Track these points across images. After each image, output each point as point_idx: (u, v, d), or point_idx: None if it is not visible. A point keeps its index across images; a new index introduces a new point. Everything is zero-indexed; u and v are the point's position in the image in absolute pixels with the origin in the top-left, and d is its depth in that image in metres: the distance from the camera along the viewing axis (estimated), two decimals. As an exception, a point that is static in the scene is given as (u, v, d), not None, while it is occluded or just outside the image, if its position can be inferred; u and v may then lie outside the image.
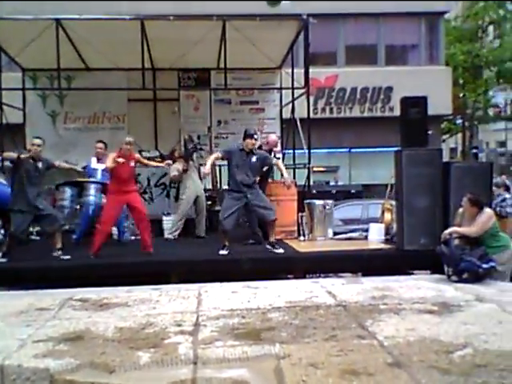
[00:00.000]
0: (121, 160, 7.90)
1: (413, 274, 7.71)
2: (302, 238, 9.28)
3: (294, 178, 11.01)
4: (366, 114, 20.99)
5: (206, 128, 12.32)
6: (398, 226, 8.06)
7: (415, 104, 8.12)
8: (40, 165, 7.97)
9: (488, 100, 30.80)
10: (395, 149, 8.27)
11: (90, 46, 10.62)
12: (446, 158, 24.91)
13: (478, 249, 6.44)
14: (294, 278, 7.62)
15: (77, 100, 12.12)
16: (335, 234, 9.43)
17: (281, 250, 8.05)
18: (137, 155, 8.57)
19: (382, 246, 8.55)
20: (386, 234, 8.94)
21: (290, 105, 11.90)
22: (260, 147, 8.98)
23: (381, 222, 9.21)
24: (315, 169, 16.09)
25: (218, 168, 11.92)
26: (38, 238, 9.62)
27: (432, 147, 8.74)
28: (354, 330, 4.26)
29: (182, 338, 4.14)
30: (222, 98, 12.88)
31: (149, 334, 4.27)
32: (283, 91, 12.55)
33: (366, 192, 18.91)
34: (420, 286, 6.01)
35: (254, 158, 8.18)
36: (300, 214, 9.41)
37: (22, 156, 7.86)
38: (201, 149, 10.59)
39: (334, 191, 17.64)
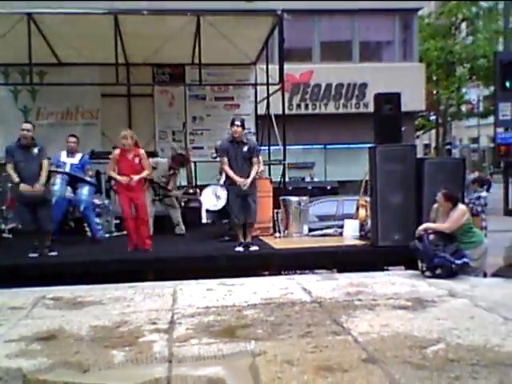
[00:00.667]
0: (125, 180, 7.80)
1: (387, 269, 7.78)
2: (277, 234, 9.29)
3: (270, 174, 10.99)
4: (340, 111, 21.09)
5: (180, 124, 12.27)
6: (372, 222, 8.10)
7: (389, 100, 8.16)
8: (35, 150, 7.67)
9: (461, 97, 31.15)
10: (370, 145, 8.31)
11: (62, 41, 10.48)
12: (419, 154, 25.13)
13: (451, 245, 6.51)
14: (270, 274, 7.62)
15: (49, 95, 11.97)
16: (310, 230, 9.45)
17: (256, 248, 8.04)
18: (141, 151, 8.16)
19: (357, 242, 8.58)
20: (361, 230, 8.97)
21: (265, 101, 11.88)
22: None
23: (355, 219, 9.25)
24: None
25: (192, 164, 11.89)
26: (10, 236, 9.49)
27: (406, 143, 8.78)
28: (328, 327, 4.28)
29: (156, 336, 4.13)
30: (197, 94, 12.82)
31: (123, 332, 4.25)
32: (258, 87, 12.53)
33: (342, 188, 19.06)
34: (394, 281, 6.07)
35: (245, 148, 8.01)
36: (275, 210, 9.42)
37: (10, 149, 7.63)
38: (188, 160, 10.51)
39: (309, 187, 17.73)
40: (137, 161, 8.01)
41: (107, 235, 9.55)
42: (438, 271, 6.32)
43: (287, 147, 10.62)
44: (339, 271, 7.75)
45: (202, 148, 12.87)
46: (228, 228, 9.01)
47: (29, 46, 9.60)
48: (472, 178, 9.77)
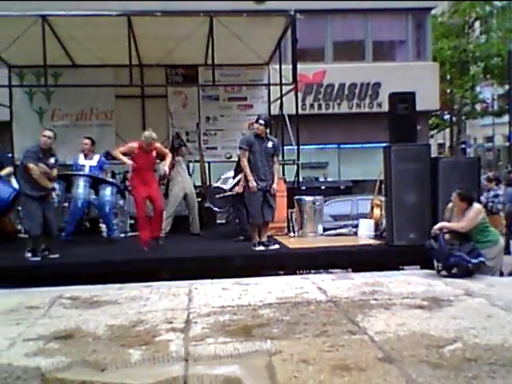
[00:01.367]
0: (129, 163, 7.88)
1: (402, 269, 7.75)
2: (291, 234, 9.29)
3: (284, 174, 11.00)
4: (354, 110, 21.01)
5: (194, 124, 12.29)
6: (388, 221, 8.07)
7: (403, 100, 8.13)
8: (52, 160, 7.74)
9: (475, 95, 30.96)
10: (384, 144, 8.29)
11: (76, 43, 10.55)
12: (433, 153, 24.98)
13: (467, 244, 6.47)
14: (285, 274, 7.62)
15: (64, 97, 12.05)
16: (325, 230, 9.44)
17: (276, 246, 8.04)
18: (157, 145, 8.25)
19: (372, 241, 8.57)
20: (376, 229, 8.95)
21: (279, 101, 11.88)
22: None
23: (370, 218, 9.24)
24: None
25: (206, 164, 11.91)
26: (26, 236, 9.55)
27: (420, 143, 8.75)
28: (344, 326, 4.27)
29: (173, 335, 4.14)
30: (210, 95, 12.85)
31: (140, 331, 4.26)
32: (271, 87, 12.52)
33: (356, 188, 19.01)
34: (410, 281, 6.04)
35: (269, 144, 8.04)
36: (290, 210, 9.42)
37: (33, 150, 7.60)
38: (185, 145, 10.51)
39: (323, 187, 17.70)
40: (154, 154, 8.10)
41: (122, 235, 9.61)
42: (454, 270, 6.30)
43: (301, 147, 10.62)
44: (354, 271, 7.74)
45: (215, 148, 12.90)
46: (241, 228, 9.02)
47: (43, 48, 9.68)
48: (488, 176, 9.70)
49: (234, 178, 9.05)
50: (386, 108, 9.09)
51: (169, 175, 9.66)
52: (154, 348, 3.84)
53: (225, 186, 9.42)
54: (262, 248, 7.87)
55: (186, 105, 12.84)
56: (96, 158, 9.50)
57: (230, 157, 12.50)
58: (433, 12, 23.62)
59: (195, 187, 10.28)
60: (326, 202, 10.97)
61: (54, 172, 7.78)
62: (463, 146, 31.45)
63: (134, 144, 7.99)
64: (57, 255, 7.69)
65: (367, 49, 21.71)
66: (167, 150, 8.68)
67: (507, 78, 24.27)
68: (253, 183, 7.81)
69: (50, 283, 6.34)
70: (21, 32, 9.34)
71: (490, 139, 43.15)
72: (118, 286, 6.11)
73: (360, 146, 21.33)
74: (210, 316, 4.68)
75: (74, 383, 3.41)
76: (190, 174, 10.04)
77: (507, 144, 30.18)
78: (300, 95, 15.87)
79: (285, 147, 11.70)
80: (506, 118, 26.88)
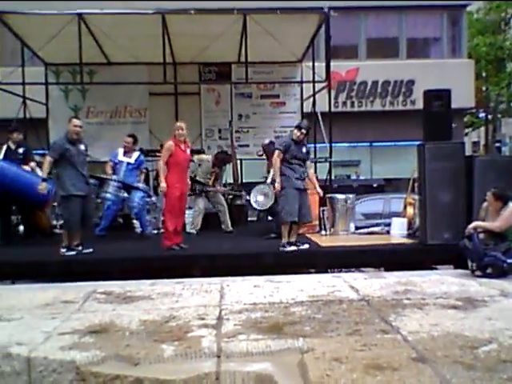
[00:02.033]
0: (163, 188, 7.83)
1: (436, 268, 7.66)
2: (323, 232, 9.27)
3: (316, 172, 10.96)
4: (387, 108, 20.80)
5: (226, 122, 12.34)
6: (421, 220, 8.00)
7: (439, 97, 8.03)
8: (82, 147, 7.86)
9: (511, 93, 30.39)
10: (417, 143, 8.20)
11: (111, 41, 10.68)
12: (468, 151, 24.62)
13: (502, 243, 6.37)
14: (316, 272, 7.60)
15: (99, 94, 12.22)
16: (357, 228, 9.39)
17: (306, 246, 8.01)
18: (188, 142, 8.28)
19: (405, 240, 8.49)
20: (409, 228, 8.88)
21: (311, 98, 11.85)
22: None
23: (403, 217, 9.16)
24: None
25: (239, 162, 11.94)
26: (61, 231, 9.70)
27: (455, 141, 8.63)
28: (377, 325, 4.24)
29: (205, 331, 4.15)
30: (243, 92, 12.90)
31: (172, 327, 4.29)
32: (304, 85, 12.51)
33: (388, 186, 18.83)
34: (443, 280, 5.97)
35: (304, 149, 8.06)
36: (321, 208, 9.39)
37: (60, 143, 7.71)
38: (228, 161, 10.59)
39: (355, 185, 17.58)
40: (188, 151, 8.13)
41: (155, 231, 9.69)
42: (489, 270, 6.20)
43: (333, 145, 10.58)
44: (386, 270, 7.69)
45: (247, 146, 12.95)
46: (276, 225, 9.01)
47: (79, 46, 9.82)
48: None
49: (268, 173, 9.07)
50: (419, 106, 8.99)
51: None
52: (186, 344, 3.86)
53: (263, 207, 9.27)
54: (292, 248, 7.84)
55: (218, 102, 12.91)
56: (135, 155, 9.62)
57: (262, 154, 12.51)
58: (468, 9, 23.25)
59: (228, 184, 10.32)
60: (357, 200, 10.89)
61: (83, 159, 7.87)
62: (498, 144, 30.88)
63: (170, 142, 7.96)
64: (90, 250, 7.79)
65: (401, 46, 21.46)
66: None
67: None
68: (280, 184, 7.80)
69: (84, 278, 6.44)
70: (57, 30, 9.50)
71: (526, 138, 42.30)
72: (150, 281, 6.16)
73: (393, 143, 21.13)
74: (241, 313, 4.69)
75: (107, 377, 3.46)
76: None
77: (544, 142, 29.59)
78: (333, 93, 15.74)
79: (317, 145, 11.67)
80: (543, 116, 26.34)
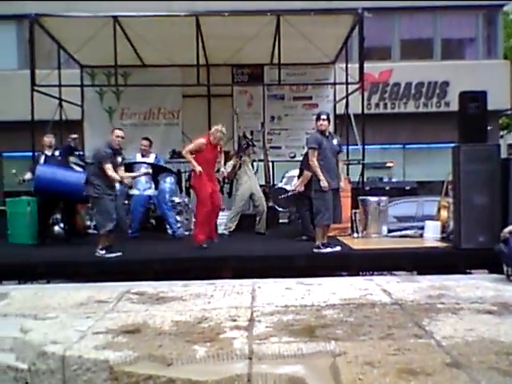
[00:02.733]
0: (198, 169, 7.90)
1: (470, 273, 7.56)
2: (355, 234, 9.21)
3: (348, 174, 10.90)
4: (421, 110, 20.59)
5: (259, 124, 12.34)
6: (456, 223, 7.89)
7: (474, 99, 7.91)
8: (119, 159, 8.00)
9: (549, 94, 29.81)
10: (451, 145, 8.10)
11: (145, 43, 10.78)
12: (503, 154, 24.23)
13: (539, 248, 6.25)
14: (348, 275, 7.55)
15: (133, 96, 12.33)
16: (390, 231, 9.31)
17: (338, 248, 7.96)
18: (221, 144, 8.38)
19: (438, 244, 8.39)
20: (443, 231, 8.78)
21: (344, 100, 11.79)
22: None
23: (437, 220, 9.05)
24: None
25: (270, 164, 11.93)
26: (95, 232, 9.82)
27: (490, 143, 8.50)
28: (410, 329, 4.19)
29: (237, 333, 4.16)
30: (276, 94, 12.89)
31: (204, 328, 4.31)
32: (337, 86, 12.45)
33: (421, 189, 18.63)
34: (478, 285, 5.88)
35: (335, 141, 7.96)
36: (354, 210, 9.33)
37: (107, 151, 7.83)
38: (253, 145, 10.57)
39: (387, 188, 17.44)
40: (218, 149, 8.23)
41: (187, 233, 9.74)
42: (525, 276, 6.10)
43: (365, 147, 10.51)
44: (419, 273, 7.59)
45: (279, 148, 12.93)
46: (304, 228, 9.00)
47: (114, 48, 9.93)
48: None
49: (298, 177, 9.03)
50: (454, 107, 8.88)
51: (235, 175, 9.78)
52: (218, 345, 3.87)
53: (288, 187, 9.43)
54: (328, 250, 7.78)
55: (250, 104, 12.91)
56: (152, 156, 9.80)
57: (294, 156, 12.51)
58: (504, 9, 22.87)
59: (260, 186, 10.32)
60: (390, 202, 10.81)
61: (121, 171, 7.99)
62: (534, 147, 30.32)
63: (202, 140, 8.03)
64: (119, 253, 7.84)
65: (436, 47, 21.22)
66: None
67: None
68: (325, 183, 7.63)
69: (117, 279, 6.51)
70: (93, 33, 9.61)
71: None
72: (182, 282, 6.20)
73: (426, 146, 20.90)
74: (273, 315, 4.68)
75: (140, 377, 3.49)
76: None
77: None
78: (365, 94, 15.68)
79: (349, 147, 11.60)
80: None
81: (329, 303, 5.09)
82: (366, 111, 11.05)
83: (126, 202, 9.56)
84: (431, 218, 9.47)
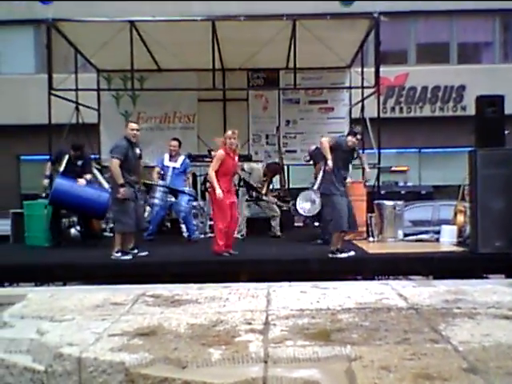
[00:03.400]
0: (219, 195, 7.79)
1: (487, 278, 7.50)
2: (371, 238, 9.19)
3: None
4: (437, 114, 20.51)
5: (274, 127, 12.35)
6: (472, 228, 7.84)
7: (492, 103, 7.88)
8: (138, 150, 8.02)
9: None
10: (467, 149, 8.06)
11: (161, 47, 10.84)
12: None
13: (557, 253, 6.20)
14: (363, 279, 7.53)
15: (149, 100, 12.41)
16: (405, 235, 9.27)
17: (352, 253, 7.93)
18: (238, 149, 8.34)
19: (455, 248, 8.35)
20: (459, 236, 8.72)
21: (360, 104, 11.77)
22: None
23: (453, 224, 8.99)
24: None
25: (286, 168, 11.93)
26: (111, 234, 9.88)
27: (508, 147, 8.43)
28: (426, 334, 4.16)
29: (252, 336, 4.15)
30: (291, 98, 12.91)
31: (220, 331, 4.30)
32: (352, 90, 12.43)
33: (436, 193, 18.53)
34: (495, 290, 5.82)
35: (355, 155, 8.05)
36: (369, 214, 9.30)
37: (122, 144, 7.81)
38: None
39: (403, 192, 17.37)
40: (236, 159, 8.19)
41: (202, 236, 9.77)
42: (543, 281, 6.04)
43: (381, 151, 10.48)
44: (435, 278, 7.55)
45: (295, 151, 12.93)
46: (322, 231, 8.97)
47: (131, 53, 9.99)
48: None
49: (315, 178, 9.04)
50: (470, 112, 8.84)
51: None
52: (233, 348, 3.86)
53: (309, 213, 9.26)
54: (344, 255, 7.76)
55: (266, 108, 12.94)
56: (180, 159, 9.74)
57: (309, 160, 12.47)
58: (522, 12, 22.73)
59: (275, 190, 10.33)
60: (406, 206, 10.76)
61: (155, 172, 8.07)
62: (553, 151, 30.06)
63: (221, 151, 7.99)
64: (146, 252, 7.90)
65: (452, 51, 21.14)
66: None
67: None
68: (331, 164, 7.69)
69: (132, 281, 6.53)
70: (110, 37, 9.68)
71: None
72: (197, 285, 6.19)
73: (442, 150, 20.80)
74: (288, 319, 4.67)
75: (156, 379, 3.49)
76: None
77: None
78: (381, 98, 15.66)
79: (365, 151, 11.56)
80: None
81: (344, 307, 5.06)
82: (381, 115, 11.04)
83: (147, 206, 9.59)
84: (447, 222, 9.43)
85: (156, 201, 9.32)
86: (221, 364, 3.62)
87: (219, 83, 11.42)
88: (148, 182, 9.35)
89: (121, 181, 7.67)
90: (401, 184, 20.88)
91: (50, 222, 9.21)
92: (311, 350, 3.80)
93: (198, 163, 10.91)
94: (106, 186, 9.34)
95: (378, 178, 10.51)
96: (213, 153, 10.58)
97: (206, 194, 10.31)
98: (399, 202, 9.40)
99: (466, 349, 3.79)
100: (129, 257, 7.74)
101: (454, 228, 8.87)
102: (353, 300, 5.36)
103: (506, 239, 7.32)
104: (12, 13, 17.90)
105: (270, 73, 12.88)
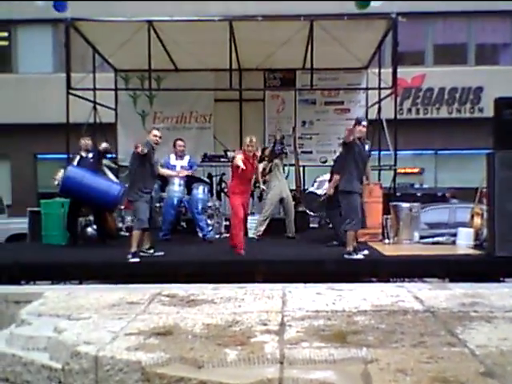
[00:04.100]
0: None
1: (503, 281, 7.44)
2: (386, 241, 9.15)
3: (379, 179, 10.83)
4: (454, 115, 20.38)
5: (290, 128, 12.34)
6: (489, 231, 7.78)
7: (510, 105, 7.81)
8: (156, 156, 8.24)
9: None
10: (484, 151, 8.01)
11: (179, 47, 10.88)
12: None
13: None
14: (378, 281, 7.50)
15: (165, 100, 12.44)
16: (421, 237, 9.22)
17: (366, 252, 7.92)
18: (257, 153, 8.45)
19: (471, 251, 8.29)
20: (476, 239, 8.66)
21: (376, 105, 11.72)
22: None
23: (470, 227, 8.93)
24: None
25: (301, 168, 11.92)
26: (127, 234, 9.93)
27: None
28: (443, 337, 4.13)
29: (268, 337, 4.15)
30: (307, 99, 12.88)
31: (235, 331, 4.31)
32: (369, 91, 12.39)
33: (453, 195, 18.39)
34: (513, 294, 5.78)
35: (367, 147, 8.02)
36: (385, 216, 9.27)
37: (145, 150, 7.91)
38: (286, 153, 10.55)
39: (419, 194, 17.26)
40: (256, 163, 8.29)
41: (217, 236, 9.78)
42: (561, 285, 5.98)
43: (397, 152, 10.43)
44: (451, 281, 7.50)
45: (310, 152, 12.91)
46: (335, 233, 8.96)
47: (148, 53, 10.03)
48: None
49: (329, 181, 9.01)
50: (488, 113, 8.78)
51: (264, 177, 9.78)
52: (249, 349, 3.86)
53: (319, 191, 9.40)
54: (360, 256, 7.74)
55: (282, 108, 12.92)
56: (186, 158, 9.82)
57: (325, 161, 12.46)
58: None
59: (290, 190, 10.32)
60: (422, 209, 10.70)
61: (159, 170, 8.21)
62: None
63: (239, 156, 8.05)
64: (162, 253, 7.94)
65: (470, 52, 21.00)
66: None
67: None
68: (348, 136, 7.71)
69: (148, 281, 6.55)
70: (128, 37, 9.73)
71: None
72: (213, 286, 6.20)
73: (459, 152, 20.66)
74: (304, 320, 4.66)
75: (172, 379, 3.50)
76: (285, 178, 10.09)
77: None
78: (398, 99, 15.59)
79: (381, 152, 11.52)
80: None
81: (360, 309, 5.05)
82: (398, 116, 10.99)
83: (158, 204, 9.63)
84: (463, 224, 9.36)
85: (169, 193, 9.40)
86: (236, 364, 3.62)
87: (236, 83, 11.43)
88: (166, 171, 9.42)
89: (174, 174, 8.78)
90: (416, 186, 20.77)
91: (66, 221, 9.28)
92: (327, 351, 3.79)
93: (213, 163, 10.92)
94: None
95: (394, 180, 10.47)
96: (229, 153, 10.64)
97: (222, 194, 10.34)
98: (415, 204, 9.35)
99: (483, 353, 3.76)
100: (137, 259, 7.77)
101: (471, 231, 8.80)
102: (368, 302, 5.34)
103: (523, 243, 7.27)
104: (30, 12, 18.03)
105: (286, 73, 12.85)
